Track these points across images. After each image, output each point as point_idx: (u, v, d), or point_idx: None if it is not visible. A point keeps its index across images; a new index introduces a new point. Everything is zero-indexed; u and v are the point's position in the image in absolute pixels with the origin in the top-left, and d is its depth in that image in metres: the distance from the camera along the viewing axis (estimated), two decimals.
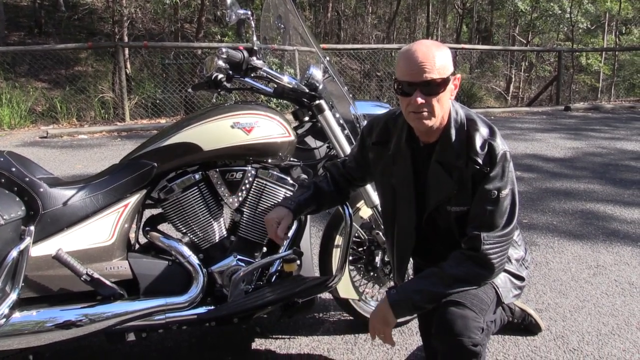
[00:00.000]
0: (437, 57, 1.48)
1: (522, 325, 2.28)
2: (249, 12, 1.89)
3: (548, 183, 4.76)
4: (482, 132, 1.57)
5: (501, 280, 1.65)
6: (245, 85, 2.08)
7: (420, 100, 1.48)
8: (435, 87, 1.49)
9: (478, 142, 1.55)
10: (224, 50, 1.80)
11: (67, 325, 1.75)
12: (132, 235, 2.03)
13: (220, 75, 1.99)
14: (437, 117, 1.53)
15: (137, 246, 2.05)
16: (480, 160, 1.54)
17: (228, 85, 2.07)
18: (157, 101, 8.56)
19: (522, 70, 17.10)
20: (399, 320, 2.27)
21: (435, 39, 18.02)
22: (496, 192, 1.54)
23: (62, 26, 13.99)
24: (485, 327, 1.52)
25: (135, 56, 11.06)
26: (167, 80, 9.32)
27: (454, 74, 1.53)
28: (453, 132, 1.58)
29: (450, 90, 1.54)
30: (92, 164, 5.30)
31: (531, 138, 6.83)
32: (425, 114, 1.51)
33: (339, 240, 2.19)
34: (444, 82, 1.49)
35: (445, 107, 1.55)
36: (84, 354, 2.17)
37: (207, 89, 2.10)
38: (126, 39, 11.25)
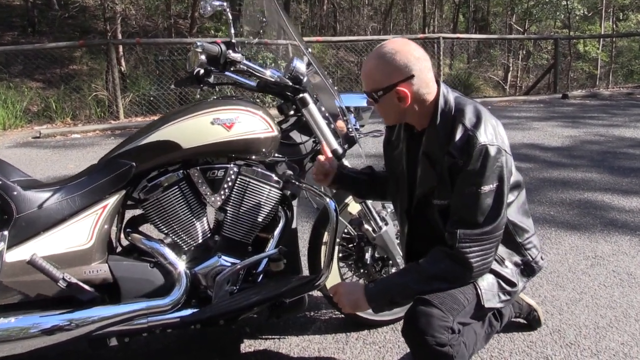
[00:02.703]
0: (371, 72, 1.53)
1: (525, 322, 2.23)
2: (225, 4, 1.82)
3: (545, 173, 4.70)
4: (467, 123, 1.49)
5: (487, 282, 1.59)
6: (228, 79, 2.02)
7: (369, 102, 1.60)
8: (370, 97, 1.56)
9: (459, 133, 1.48)
10: (198, 44, 1.73)
11: (45, 332, 1.70)
12: (114, 238, 1.98)
13: (202, 71, 1.93)
14: (387, 119, 1.62)
15: (119, 248, 2.00)
16: (455, 152, 1.47)
17: (211, 80, 2.01)
18: (152, 98, 8.48)
19: (520, 59, 17.00)
20: (387, 318, 2.26)
21: (432, 29, 17.92)
22: (474, 187, 1.46)
23: (55, 25, 13.88)
24: (455, 327, 1.47)
25: (130, 53, 10.97)
26: (162, 77, 9.23)
27: (397, 84, 1.50)
28: (439, 122, 1.53)
29: (395, 99, 1.52)
30: (84, 164, 5.21)
31: (528, 127, 6.75)
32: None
33: (327, 237, 2.13)
34: (373, 96, 1.54)
35: (393, 113, 1.57)
36: (70, 358, 2.12)
37: (190, 84, 2.04)
38: (120, 36, 11.17)
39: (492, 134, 1.49)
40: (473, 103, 1.57)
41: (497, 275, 1.62)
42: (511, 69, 16.50)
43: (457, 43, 13.68)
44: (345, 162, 2.09)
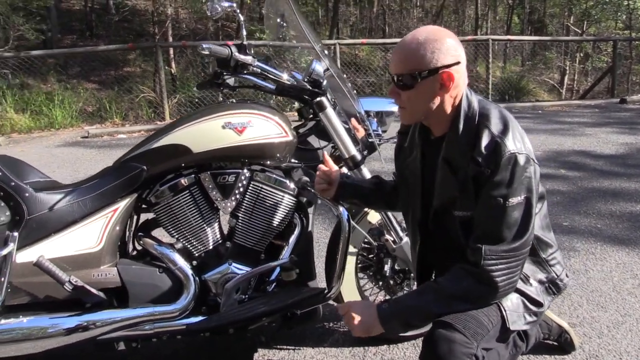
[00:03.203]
0: (414, 50, 1.35)
1: (556, 344, 2.07)
2: (234, 4, 1.77)
3: (595, 182, 4.42)
4: (493, 128, 1.37)
5: (512, 302, 1.44)
6: (247, 82, 1.97)
7: (391, 92, 1.42)
8: (405, 82, 1.39)
9: (485, 139, 1.35)
10: (204, 46, 1.68)
11: (52, 333, 1.70)
12: (128, 241, 1.97)
13: (227, 74, 1.90)
14: (411, 113, 1.44)
15: (133, 252, 1.98)
16: (481, 160, 1.34)
17: (231, 83, 1.97)
18: (197, 100, 8.63)
19: (577, 61, 16.28)
20: (415, 333, 2.14)
21: (485, 31, 17.40)
22: (501, 199, 1.33)
23: (112, 28, 14.42)
24: (479, 354, 1.33)
25: (181, 56, 11.23)
26: (207, 79, 9.35)
27: (445, 67, 1.35)
28: (461, 126, 1.40)
29: (435, 87, 1.38)
30: None
31: (580, 133, 6.41)
32: (401, 108, 1.43)
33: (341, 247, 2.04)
34: (413, 78, 1.37)
35: (422, 105, 1.41)
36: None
37: (210, 87, 2.02)
38: (171, 39, 11.45)
39: (521, 142, 1.37)
40: (498, 108, 1.45)
41: (522, 294, 1.48)
42: (568, 72, 15.81)
43: (511, 45, 13.23)
44: (364, 169, 1.99)
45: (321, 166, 1.78)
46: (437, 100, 1.40)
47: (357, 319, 1.46)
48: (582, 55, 16.41)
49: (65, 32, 14.46)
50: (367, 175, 1.99)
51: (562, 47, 14.23)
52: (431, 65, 1.35)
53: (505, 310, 1.42)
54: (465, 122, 1.41)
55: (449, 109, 1.42)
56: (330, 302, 2.05)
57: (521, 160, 1.34)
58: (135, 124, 8.16)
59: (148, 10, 14.70)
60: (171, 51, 10.44)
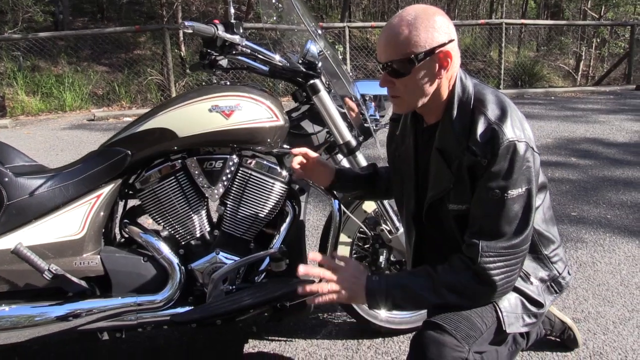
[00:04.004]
0: (405, 32, 1.23)
1: (559, 340, 1.99)
2: None
3: (606, 171, 4.29)
4: (490, 114, 1.26)
5: (509, 303, 1.34)
6: (240, 64, 1.89)
7: (383, 82, 1.30)
8: (399, 69, 1.26)
9: (481, 127, 1.25)
10: (187, 24, 1.58)
11: (32, 323, 1.65)
12: (114, 228, 1.91)
13: (213, 54, 1.81)
14: (407, 102, 1.31)
15: (121, 240, 1.92)
16: (477, 150, 1.23)
17: (224, 64, 1.88)
18: (203, 82, 8.55)
19: (594, 47, 15.90)
20: (403, 327, 2.08)
21: (500, 15, 17.04)
22: (499, 191, 1.23)
23: (122, 11, 14.34)
24: (471, 358, 1.23)
25: (191, 39, 11.11)
26: None
27: (441, 45, 1.24)
28: (455, 112, 1.30)
29: (432, 70, 1.27)
30: None
31: (593, 120, 6.24)
32: (395, 98, 1.30)
33: (341, 237, 1.97)
34: (409, 62, 1.24)
35: (420, 91, 1.29)
36: (71, 348, 2.08)
37: (203, 69, 1.93)
38: (180, 21, 11.33)
39: (520, 129, 1.26)
40: (495, 92, 1.34)
41: (521, 294, 1.38)
42: (584, 57, 15.46)
43: (526, 30, 12.92)
44: (360, 155, 1.91)
45: (293, 151, 1.65)
46: (435, 84, 1.30)
47: (348, 281, 1.32)
48: (598, 40, 16.03)
49: (76, 15, 14.40)
50: (363, 162, 1.91)
51: (579, 32, 13.87)
52: (427, 46, 1.24)
53: (501, 312, 1.32)
54: (460, 107, 1.30)
55: (445, 93, 1.32)
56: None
57: (521, 148, 1.23)
58: (142, 107, 8.12)
59: None
60: (181, 34, 10.33)
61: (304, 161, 1.63)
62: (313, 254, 1.38)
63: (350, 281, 1.32)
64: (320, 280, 1.34)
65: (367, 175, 1.70)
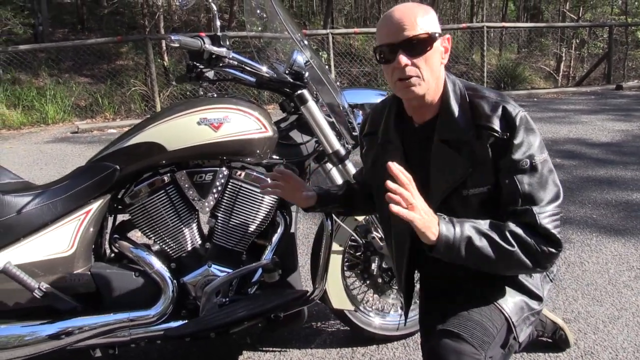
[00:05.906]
0: (418, 15, 1.25)
1: (551, 341, 2.01)
2: None
3: (590, 171, 4.35)
4: (490, 95, 1.32)
5: (515, 304, 1.35)
6: (227, 76, 1.89)
7: (404, 61, 1.24)
8: (419, 45, 1.25)
9: (486, 107, 1.29)
10: (174, 38, 1.59)
11: (23, 342, 1.63)
12: (104, 244, 1.89)
13: (200, 66, 1.81)
14: (427, 82, 1.28)
15: (111, 255, 1.90)
16: (496, 127, 1.26)
17: (210, 76, 1.88)
18: (188, 93, 8.52)
19: (573, 48, 16.15)
20: (400, 333, 2.08)
21: (481, 19, 17.24)
22: (528, 160, 1.26)
23: (103, 22, 14.25)
24: None
25: (174, 49, 11.06)
26: None
27: (441, 35, 1.28)
28: (453, 103, 1.32)
29: (440, 53, 1.29)
30: None
31: (576, 121, 6.33)
32: (414, 79, 1.26)
33: (333, 246, 1.97)
34: (430, 39, 1.25)
35: (436, 71, 1.29)
36: None
37: (189, 81, 1.92)
38: (163, 31, 11.29)
39: (516, 105, 1.32)
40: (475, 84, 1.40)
41: (523, 290, 1.39)
42: (564, 58, 15.68)
43: (507, 32, 13.10)
44: (349, 164, 1.92)
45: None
46: (441, 69, 1.33)
47: (423, 206, 1.20)
48: (578, 41, 16.27)
49: (56, 26, 14.28)
50: (352, 170, 1.91)
51: (558, 34, 14.08)
52: (437, 29, 1.28)
53: (510, 316, 1.33)
54: (455, 98, 1.33)
55: (441, 85, 1.34)
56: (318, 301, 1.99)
57: (529, 118, 1.30)
58: (126, 118, 8.06)
59: (139, 1, 14.55)
60: (163, 43, 10.28)
61: (281, 184, 1.54)
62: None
63: (425, 210, 1.21)
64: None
65: (344, 195, 1.64)
